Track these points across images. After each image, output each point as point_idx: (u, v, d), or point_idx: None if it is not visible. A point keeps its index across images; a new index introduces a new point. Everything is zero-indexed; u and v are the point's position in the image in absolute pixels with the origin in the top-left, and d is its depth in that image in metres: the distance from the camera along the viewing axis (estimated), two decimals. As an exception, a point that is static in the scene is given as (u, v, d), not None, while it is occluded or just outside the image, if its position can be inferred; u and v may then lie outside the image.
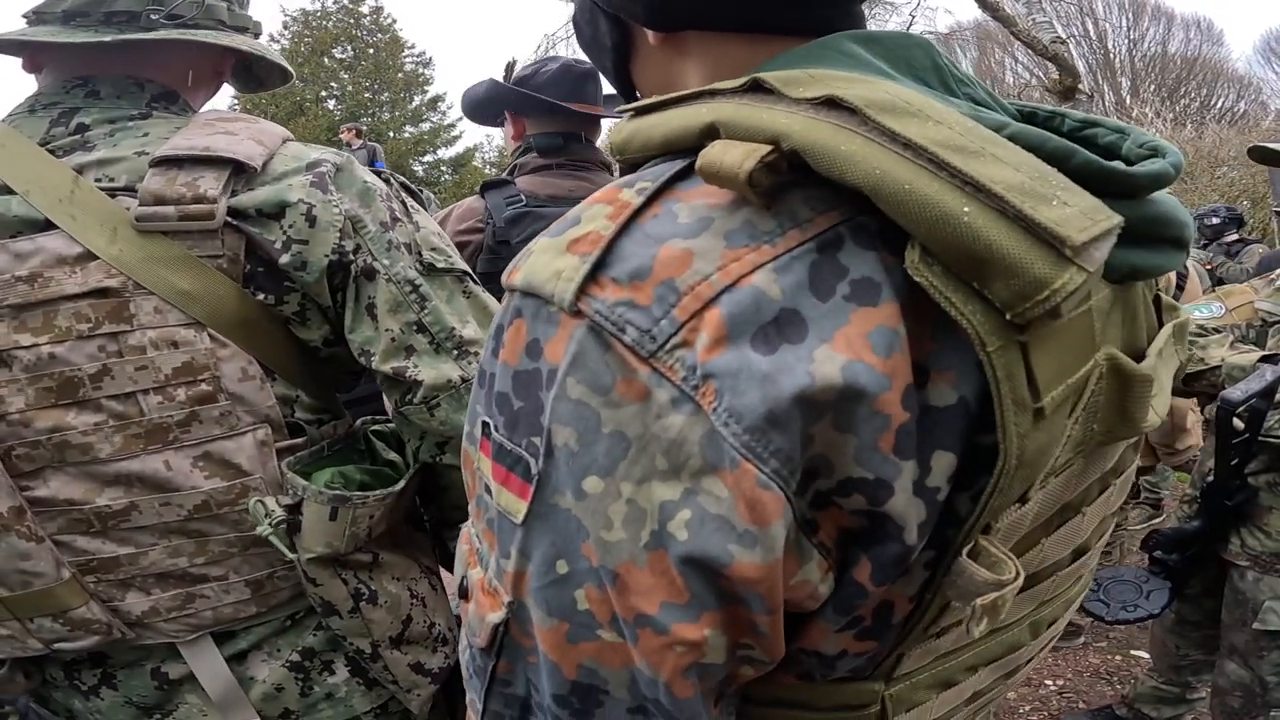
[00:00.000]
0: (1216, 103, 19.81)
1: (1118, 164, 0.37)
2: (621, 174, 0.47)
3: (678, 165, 0.39)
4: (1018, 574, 0.38)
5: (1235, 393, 1.44)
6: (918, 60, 0.45)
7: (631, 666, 0.38)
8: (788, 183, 0.36)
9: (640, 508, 0.35)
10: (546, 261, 0.38)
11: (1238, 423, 1.48)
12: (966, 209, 0.32)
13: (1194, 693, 2.04)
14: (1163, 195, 0.40)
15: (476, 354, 0.85)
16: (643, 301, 0.35)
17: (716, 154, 0.36)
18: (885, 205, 0.33)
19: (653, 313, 0.35)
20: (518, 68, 1.69)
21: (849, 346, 0.34)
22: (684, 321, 0.34)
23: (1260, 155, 1.65)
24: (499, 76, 1.72)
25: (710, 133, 0.38)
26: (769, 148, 0.35)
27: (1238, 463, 1.57)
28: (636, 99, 0.55)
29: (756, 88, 0.39)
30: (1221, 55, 20.65)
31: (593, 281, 0.36)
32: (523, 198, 1.51)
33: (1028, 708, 2.43)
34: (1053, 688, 2.53)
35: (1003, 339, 0.33)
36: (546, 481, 0.37)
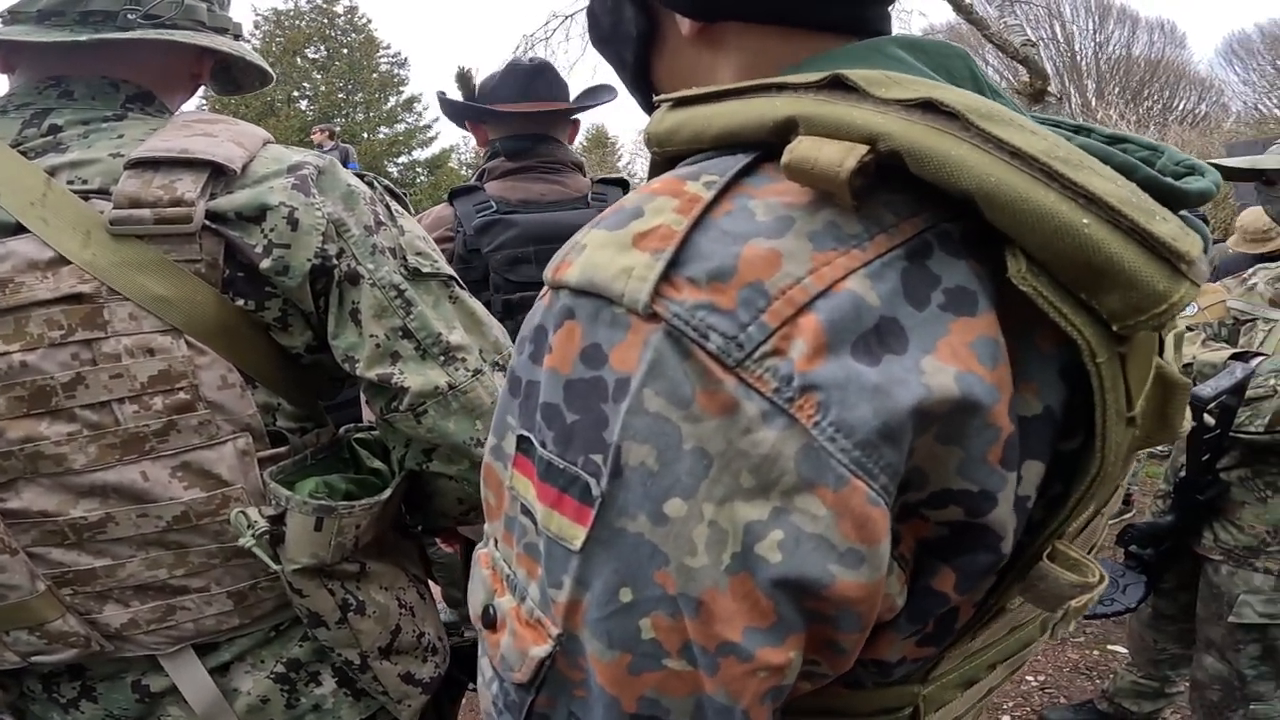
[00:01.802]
0: (1179, 105, 20.26)
1: (1169, 180, 0.37)
2: (654, 166, 0.45)
3: (743, 160, 0.37)
4: (1101, 576, 0.38)
5: (1206, 389, 1.47)
6: (957, 69, 0.44)
7: (700, 695, 0.35)
8: (870, 186, 0.34)
9: (721, 529, 0.33)
10: (609, 258, 0.34)
11: (1209, 419, 1.51)
12: (1085, 220, 0.31)
13: (1173, 686, 2.07)
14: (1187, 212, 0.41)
15: (464, 360, 0.84)
16: (726, 305, 0.32)
17: (808, 150, 0.33)
18: (997, 213, 0.32)
19: (739, 318, 0.32)
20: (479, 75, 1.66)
21: (955, 357, 0.33)
22: (776, 328, 0.32)
23: (1220, 173, 1.69)
24: (453, 85, 1.69)
25: (788, 127, 0.36)
26: (866, 148, 0.33)
27: (1209, 458, 1.60)
28: (653, 95, 0.53)
29: (836, 84, 0.37)
30: (1184, 58, 21.16)
31: (667, 282, 0.33)
32: (493, 204, 1.46)
33: (1011, 704, 2.46)
34: (1034, 683, 2.56)
35: (1109, 351, 0.34)
36: (611, 504, 0.34)
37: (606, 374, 0.34)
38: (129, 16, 0.81)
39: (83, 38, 0.78)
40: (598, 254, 0.35)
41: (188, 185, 0.75)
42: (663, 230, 0.34)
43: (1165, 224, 0.32)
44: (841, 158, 0.33)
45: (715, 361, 0.32)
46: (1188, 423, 0.43)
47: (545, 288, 0.38)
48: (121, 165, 0.76)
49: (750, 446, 0.32)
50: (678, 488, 0.33)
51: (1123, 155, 0.37)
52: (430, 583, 1.08)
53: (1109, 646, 2.72)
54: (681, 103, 0.43)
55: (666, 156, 0.44)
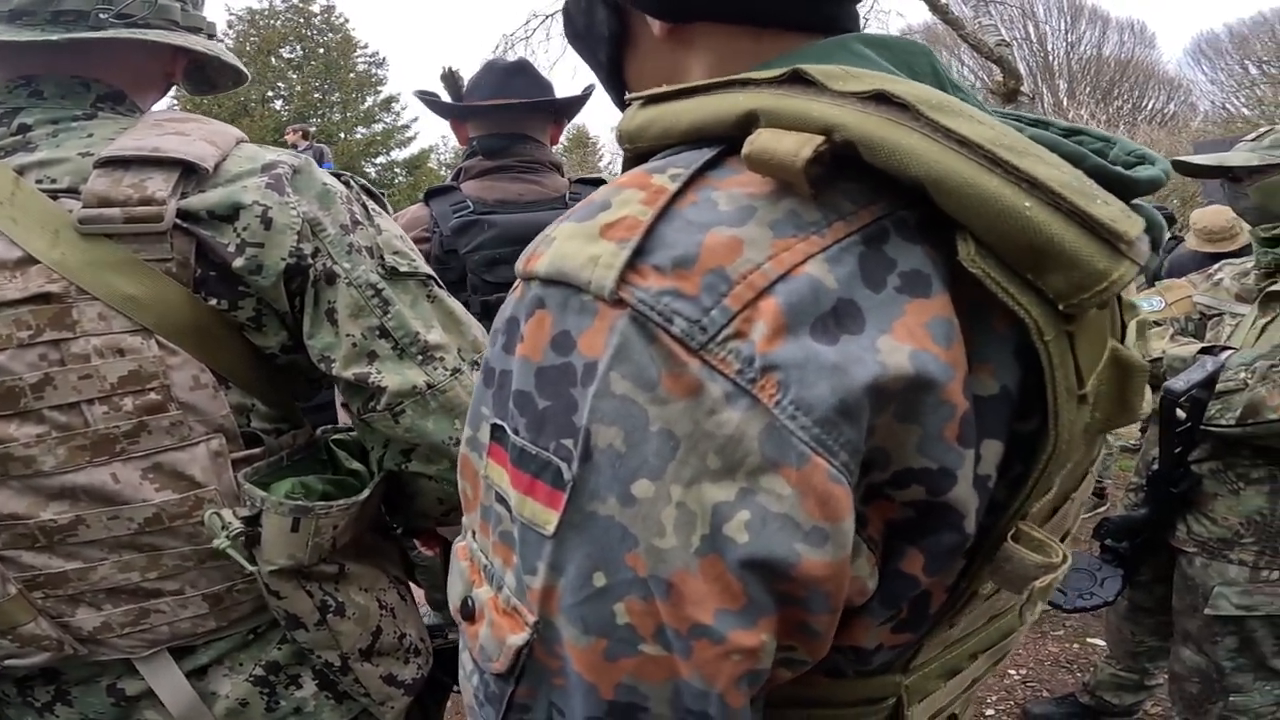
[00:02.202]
0: (1148, 104, 20.61)
1: (1118, 168, 0.39)
2: (627, 163, 0.46)
3: (708, 153, 0.38)
4: (1064, 556, 0.39)
5: (1178, 383, 1.49)
6: (919, 65, 0.45)
7: (676, 679, 0.35)
8: (828, 175, 0.35)
9: (690, 511, 0.33)
10: (577, 248, 0.35)
11: (1180, 412, 1.54)
12: (1027, 203, 0.33)
13: (1152, 679, 2.10)
14: (1142, 200, 0.42)
15: (442, 359, 0.83)
16: (689, 291, 0.33)
17: (767, 141, 0.35)
18: (945, 198, 0.33)
19: (702, 302, 0.33)
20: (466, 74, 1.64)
21: (911, 336, 0.34)
22: (737, 311, 0.33)
23: (1182, 168, 1.72)
24: (432, 85, 1.67)
25: (749, 121, 0.37)
26: (822, 138, 0.34)
27: (1181, 451, 1.63)
28: (625, 93, 0.54)
29: (796, 79, 0.38)
30: (1153, 58, 21.52)
31: (632, 269, 0.34)
32: (470, 204, 1.45)
33: (994, 697, 2.48)
34: (1016, 677, 2.59)
35: (1056, 329, 0.35)
36: (582, 487, 0.34)
37: (575, 359, 0.35)
38: (101, 16, 0.80)
39: (54, 37, 0.77)
40: (566, 245, 0.36)
41: (158, 184, 0.74)
42: (629, 220, 0.35)
43: (1106, 207, 0.33)
44: (798, 148, 0.34)
45: (680, 345, 0.33)
46: (1148, 405, 0.44)
47: (518, 280, 0.39)
48: (91, 164, 0.75)
49: (715, 427, 0.33)
50: (645, 469, 0.34)
51: (1072, 144, 0.38)
52: (414, 586, 1.08)
53: (1089, 640, 2.75)
54: (651, 100, 0.44)
55: (638, 153, 0.45)
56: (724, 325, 0.33)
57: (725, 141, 0.38)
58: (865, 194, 0.36)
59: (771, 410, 0.32)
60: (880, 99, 0.36)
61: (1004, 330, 0.37)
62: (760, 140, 0.35)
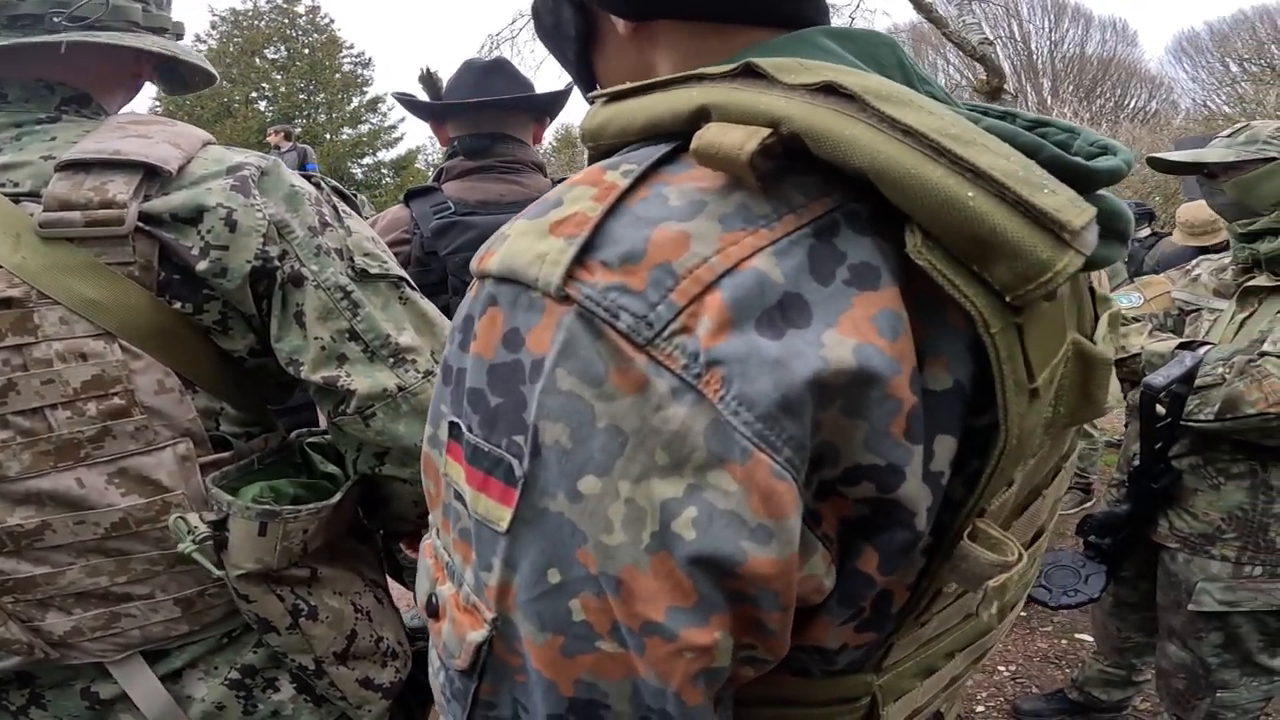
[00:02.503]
0: (1130, 102, 20.76)
1: (1077, 159, 0.38)
2: (591, 160, 0.45)
3: (663, 149, 0.38)
4: (1020, 554, 0.38)
5: (1158, 378, 1.50)
6: (884, 57, 0.45)
7: (634, 677, 0.35)
8: (780, 168, 0.35)
9: (639, 507, 0.33)
10: (527, 245, 0.35)
11: (1159, 408, 1.54)
12: (970, 193, 0.32)
13: (1140, 675, 2.09)
14: (1107, 191, 0.42)
15: (414, 361, 0.83)
16: (636, 286, 0.33)
17: (714, 136, 0.34)
18: (889, 189, 0.33)
19: (648, 297, 0.33)
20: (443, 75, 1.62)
21: (856, 330, 0.33)
22: (683, 306, 0.33)
23: (1158, 165, 1.72)
24: (417, 86, 1.66)
25: (701, 115, 0.37)
26: (768, 130, 0.34)
27: (1161, 446, 1.63)
28: (596, 90, 0.54)
29: (749, 73, 0.38)
30: (1135, 56, 21.68)
31: (580, 265, 0.34)
32: (450, 205, 1.43)
33: (984, 694, 2.49)
34: (1006, 673, 2.59)
35: (1003, 321, 0.34)
36: (533, 484, 0.34)
37: (524, 356, 0.35)
38: (54, 19, 0.78)
39: (8, 42, 0.76)
40: (517, 242, 0.36)
41: (119, 187, 0.73)
42: (578, 217, 0.35)
43: (1052, 196, 0.33)
44: (743, 141, 0.33)
45: (626, 340, 0.33)
46: (1114, 399, 0.44)
47: (473, 279, 0.39)
48: (52, 167, 0.74)
49: (662, 423, 0.33)
50: (591, 465, 0.33)
51: (1029, 135, 0.38)
52: (406, 590, 1.07)
53: (1077, 635, 2.76)
54: (614, 98, 0.43)
55: (600, 150, 0.44)
56: (670, 320, 0.33)
57: (680, 137, 0.38)
58: (818, 186, 0.36)
59: (716, 406, 0.32)
60: (829, 90, 0.35)
61: (957, 323, 0.36)
62: (708, 135, 0.35)
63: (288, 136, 7.42)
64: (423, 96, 1.59)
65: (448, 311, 0.90)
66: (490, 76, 1.52)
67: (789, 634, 0.38)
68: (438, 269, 1.43)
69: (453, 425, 0.39)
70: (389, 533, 1.05)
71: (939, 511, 0.38)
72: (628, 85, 0.43)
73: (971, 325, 0.35)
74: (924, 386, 0.36)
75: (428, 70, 1.59)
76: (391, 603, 0.98)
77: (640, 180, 0.36)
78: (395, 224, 1.48)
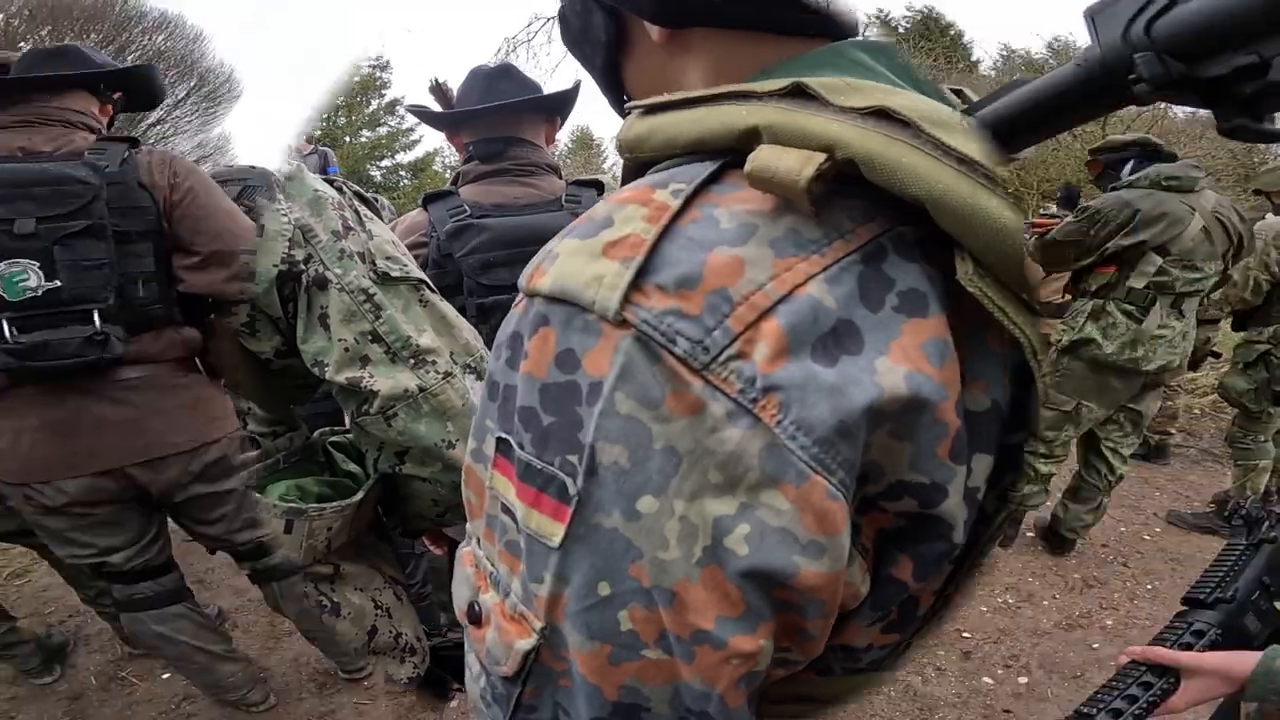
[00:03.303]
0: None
1: None
2: (626, 171, 0.46)
3: (710, 167, 0.38)
4: None
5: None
6: (917, 72, 0.45)
7: (677, 682, 0.37)
8: (828, 192, 0.35)
9: (692, 524, 0.34)
10: (580, 266, 0.36)
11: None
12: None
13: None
14: None
15: (434, 362, 0.84)
16: (692, 311, 0.33)
17: (768, 159, 0.35)
18: (944, 218, 0.34)
19: (704, 322, 0.33)
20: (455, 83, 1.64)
21: (906, 358, 0.34)
22: (739, 332, 0.33)
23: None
24: (429, 95, 1.68)
25: (752, 136, 0.37)
26: (824, 156, 0.34)
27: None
28: (624, 99, 0.54)
29: (799, 93, 0.38)
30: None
31: (636, 289, 0.34)
32: (466, 208, 1.45)
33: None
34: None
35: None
36: (588, 501, 0.35)
37: (580, 378, 0.35)
38: None
39: None
40: (569, 262, 0.36)
41: None
42: (632, 239, 0.35)
43: None
44: (800, 166, 0.34)
45: (683, 365, 0.33)
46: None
47: (520, 294, 0.39)
48: None
49: (717, 445, 0.33)
50: (649, 485, 0.34)
51: None
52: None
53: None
54: (650, 110, 0.43)
55: (638, 162, 0.45)
56: (726, 346, 0.33)
57: (727, 154, 0.38)
58: (864, 211, 0.36)
59: (772, 429, 0.33)
60: (881, 115, 0.36)
61: (998, 348, 0.37)
62: (761, 157, 0.35)
63: (309, 140, 7.50)
64: (435, 107, 1.61)
65: (463, 312, 0.92)
66: (498, 82, 1.54)
67: (826, 638, 0.39)
68: (454, 271, 1.45)
69: (500, 441, 0.39)
70: (407, 531, 1.07)
71: (975, 523, 0.40)
72: (666, 98, 0.43)
73: (1007, 348, 0.36)
74: (965, 408, 0.37)
75: (437, 81, 1.62)
76: (409, 599, 1.00)
77: (690, 201, 0.37)
78: (413, 227, 1.50)
